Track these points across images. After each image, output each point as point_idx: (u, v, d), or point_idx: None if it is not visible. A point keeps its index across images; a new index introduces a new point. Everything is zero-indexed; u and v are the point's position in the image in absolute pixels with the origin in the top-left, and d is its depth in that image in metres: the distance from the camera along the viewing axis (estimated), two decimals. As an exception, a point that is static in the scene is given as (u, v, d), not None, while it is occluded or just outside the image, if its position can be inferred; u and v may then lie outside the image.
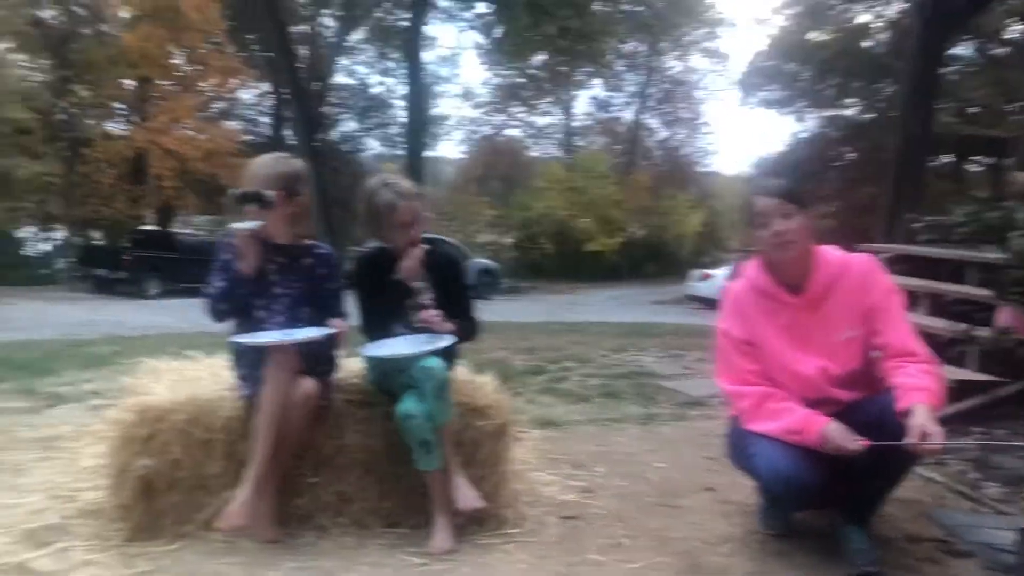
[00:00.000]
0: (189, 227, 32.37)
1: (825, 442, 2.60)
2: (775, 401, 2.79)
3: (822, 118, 30.60)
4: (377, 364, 3.13)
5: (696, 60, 41.88)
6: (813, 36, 28.01)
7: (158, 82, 28.20)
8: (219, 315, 3.04)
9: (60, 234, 28.65)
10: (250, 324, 3.02)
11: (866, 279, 2.84)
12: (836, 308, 2.83)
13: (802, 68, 28.62)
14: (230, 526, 2.68)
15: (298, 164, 3.14)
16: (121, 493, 2.86)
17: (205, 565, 2.67)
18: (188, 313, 15.78)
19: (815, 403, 2.77)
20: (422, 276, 3.21)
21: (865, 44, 26.99)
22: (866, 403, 2.75)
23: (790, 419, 2.71)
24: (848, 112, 29.46)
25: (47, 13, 25.43)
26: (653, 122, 43.05)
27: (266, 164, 3.07)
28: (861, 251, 3.04)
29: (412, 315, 3.18)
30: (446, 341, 3.03)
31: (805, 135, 31.26)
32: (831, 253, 2.91)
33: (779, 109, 31.39)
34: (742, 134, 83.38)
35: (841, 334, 2.82)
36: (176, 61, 28.81)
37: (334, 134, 34.84)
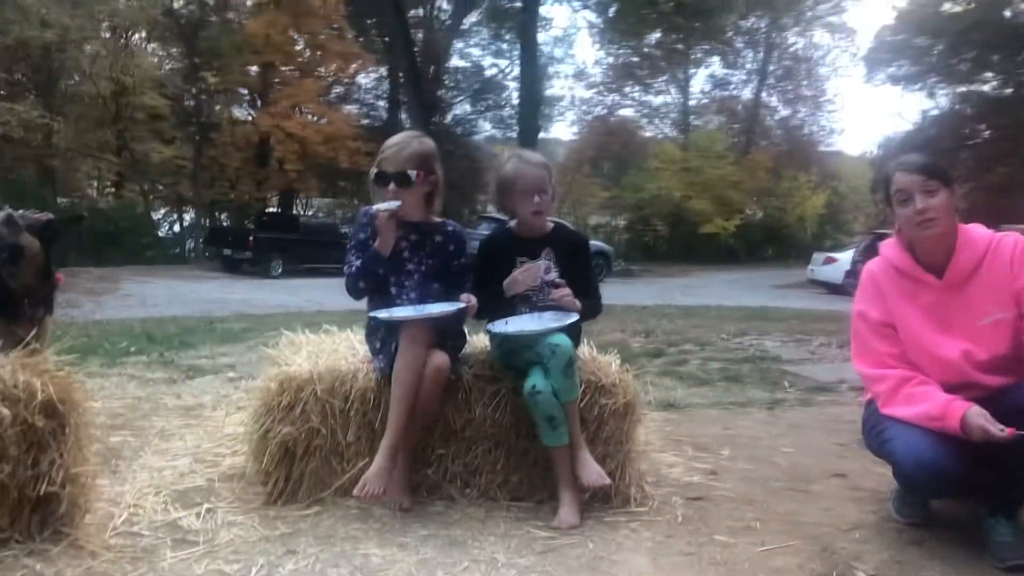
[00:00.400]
0: (310, 209, 33.45)
1: (967, 429, 2.48)
2: (914, 385, 2.69)
3: (955, 94, 29.14)
4: (503, 341, 3.16)
5: (819, 35, 40.44)
6: (946, 7, 26.58)
7: (281, 68, 29.12)
8: (358, 293, 3.12)
9: (190, 215, 30.00)
10: (383, 300, 3.09)
11: (1016, 259, 2.69)
12: (981, 289, 2.70)
13: (934, 41, 27.24)
14: (365, 494, 2.77)
15: (431, 142, 3.19)
16: (262, 459, 2.99)
17: (340, 529, 2.77)
18: (310, 293, 16.36)
19: (957, 388, 2.65)
20: (547, 255, 3.23)
21: (1005, 13, 25.46)
22: (1016, 389, 2.61)
23: (930, 404, 2.60)
24: (984, 87, 27.93)
25: (178, 3, 26.55)
26: (773, 100, 41.82)
27: (404, 143, 3.10)
28: (1008, 230, 2.88)
29: (537, 295, 3.20)
30: (572, 318, 3.04)
31: (936, 112, 29.85)
32: (976, 231, 2.78)
33: (908, 85, 30.02)
34: (868, 112, 80.00)
35: (987, 317, 2.69)
36: (298, 47, 29.69)
37: (448, 117, 35.28)
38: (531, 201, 3.16)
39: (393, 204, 2.97)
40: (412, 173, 3.04)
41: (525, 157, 3.23)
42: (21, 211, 3.36)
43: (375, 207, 3.01)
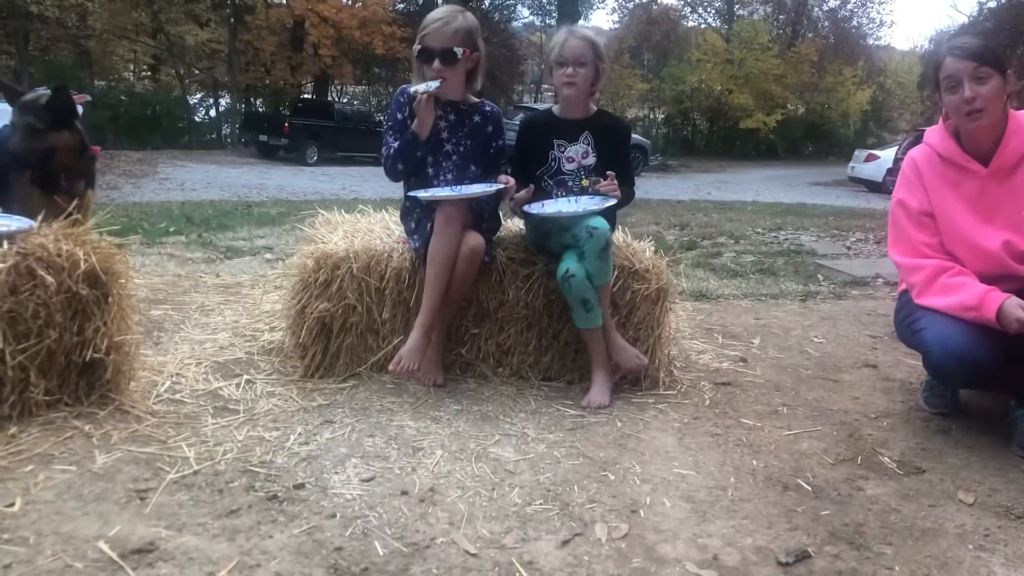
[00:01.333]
0: (345, 97, 33.11)
1: (1004, 319, 2.46)
2: (951, 275, 2.66)
3: (1016, -16, 27.69)
4: (538, 223, 3.16)
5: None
6: None
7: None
8: (396, 175, 3.08)
9: (225, 100, 29.86)
10: (421, 181, 3.08)
11: (1067, 149, 2.61)
12: (1028, 179, 2.64)
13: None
14: (400, 369, 2.82)
15: (473, 17, 3.10)
16: (299, 334, 3.05)
17: (376, 402, 2.84)
18: (346, 180, 16.41)
19: (996, 279, 2.61)
20: (586, 138, 3.19)
21: None
22: (1056, 282, 2.58)
23: (966, 294, 2.57)
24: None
25: None
26: (822, -10, 40.08)
27: (449, 18, 2.99)
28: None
29: (572, 179, 3.18)
30: (609, 202, 3.01)
31: (993, 4, 28.47)
32: (1026, 119, 2.69)
33: (966, -26, 28.55)
34: (921, 4, 76.25)
35: (1032, 207, 2.63)
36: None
37: (486, 2, 34.37)
38: (564, 71, 3.10)
39: (433, 85, 2.90)
40: (458, 50, 2.97)
41: (573, 29, 3.17)
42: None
43: (414, 87, 2.94)
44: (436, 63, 2.96)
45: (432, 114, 2.96)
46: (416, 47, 3.01)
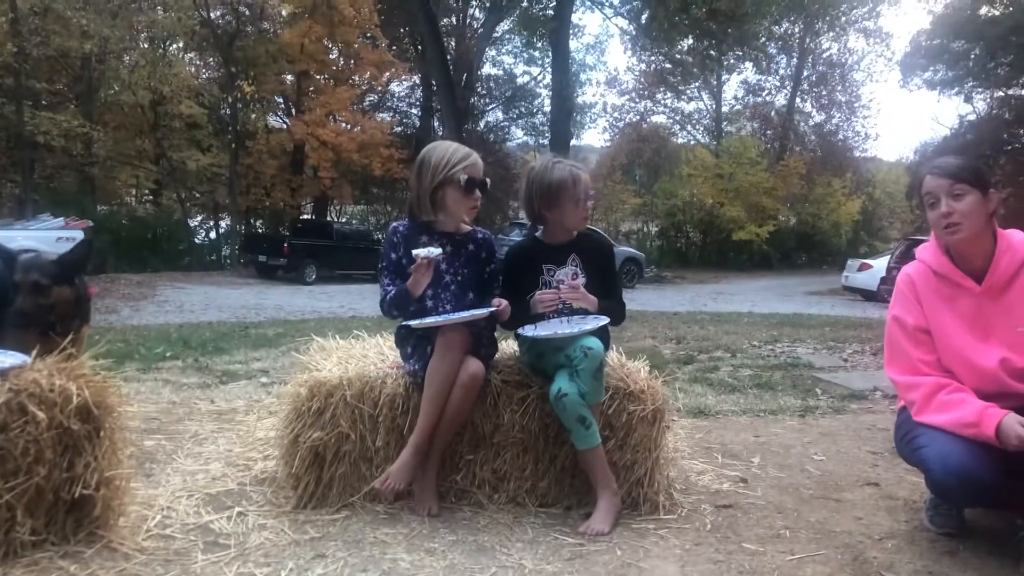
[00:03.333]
0: (344, 216, 33.74)
1: (1003, 436, 2.44)
2: (949, 392, 2.66)
3: (993, 99, 28.68)
4: (531, 345, 3.17)
5: (854, 40, 40.04)
6: (984, 11, 26.12)
7: (315, 76, 29.39)
8: (392, 317, 3.15)
9: (226, 222, 30.34)
10: (419, 309, 3.11)
11: (1056, 267, 2.65)
12: (1022, 296, 2.66)
13: (971, 45, 26.78)
14: (387, 487, 2.80)
15: None
16: (292, 463, 3.01)
17: (369, 533, 2.78)
18: (344, 299, 16.50)
19: (993, 397, 2.61)
20: (574, 261, 3.23)
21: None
22: (1054, 399, 2.57)
23: (965, 411, 2.57)
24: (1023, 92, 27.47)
25: (214, 14, 26.89)
26: (807, 106, 41.42)
27: (474, 154, 3.19)
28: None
29: (563, 302, 3.19)
30: (602, 321, 3.03)
31: (973, 118, 29.39)
32: (1017, 237, 2.74)
33: (944, 90, 29.53)
34: (904, 118, 78.91)
35: (1026, 324, 2.65)
36: (332, 56, 29.95)
37: (481, 124, 35.40)
38: (584, 207, 3.20)
39: (435, 252, 2.98)
40: (488, 180, 3.20)
41: (571, 164, 3.23)
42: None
43: (416, 251, 2.98)
44: (476, 192, 3.16)
45: (429, 277, 3.03)
46: (462, 177, 3.12)
